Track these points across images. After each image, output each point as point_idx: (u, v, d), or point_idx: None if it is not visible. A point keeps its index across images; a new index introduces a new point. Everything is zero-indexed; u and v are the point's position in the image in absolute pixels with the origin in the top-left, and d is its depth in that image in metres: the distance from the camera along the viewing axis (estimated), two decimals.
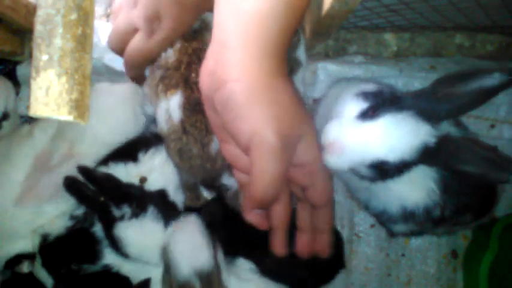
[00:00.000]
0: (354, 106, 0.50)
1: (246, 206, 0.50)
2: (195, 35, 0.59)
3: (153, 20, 0.56)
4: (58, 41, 0.34)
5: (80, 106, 0.35)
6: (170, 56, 0.59)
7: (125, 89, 0.64)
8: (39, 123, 0.64)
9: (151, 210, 0.59)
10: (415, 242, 0.70)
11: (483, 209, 0.59)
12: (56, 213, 0.61)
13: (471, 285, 0.66)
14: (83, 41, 0.35)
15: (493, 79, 0.45)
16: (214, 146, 0.58)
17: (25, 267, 0.61)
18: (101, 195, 0.58)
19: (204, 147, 0.58)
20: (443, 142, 0.46)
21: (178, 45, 0.59)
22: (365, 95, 0.50)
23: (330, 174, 0.52)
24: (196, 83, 0.55)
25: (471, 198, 0.55)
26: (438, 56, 0.77)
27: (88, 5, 0.35)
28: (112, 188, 0.59)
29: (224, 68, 0.46)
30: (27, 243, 0.61)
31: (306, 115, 0.50)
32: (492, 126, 0.72)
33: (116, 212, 0.58)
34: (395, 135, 0.46)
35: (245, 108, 0.46)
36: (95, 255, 0.60)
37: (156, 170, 0.62)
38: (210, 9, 0.52)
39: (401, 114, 0.46)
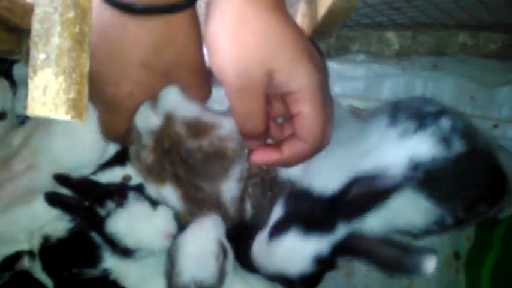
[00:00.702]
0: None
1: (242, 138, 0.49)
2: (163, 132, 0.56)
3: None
4: (55, 40, 0.33)
5: (78, 106, 0.34)
6: (147, 155, 0.57)
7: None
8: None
9: (132, 195, 0.58)
10: (417, 244, 0.70)
11: (496, 193, 0.56)
12: (52, 215, 0.60)
13: (474, 287, 0.66)
14: (81, 39, 0.34)
15: (391, 179, 0.47)
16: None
17: (26, 261, 0.60)
18: (83, 200, 0.57)
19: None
20: (342, 245, 0.50)
21: (151, 144, 0.56)
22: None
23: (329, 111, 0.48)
24: (188, 179, 0.55)
25: (478, 189, 0.54)
26: (441, 55, 0.76)
27: (86, 3, 0.34)
28: (92, 189, 0.58)
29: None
30: (24, 246, 0.61)
31: (293, 44, 0.44)
32: (495, 126, 0.71)
33: (102, 212, 0.57)
34: (286, 253, 0.51)
35: (218, 37, 0.44)
36: (94, 258, 0.59)
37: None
38: (178, 79, 0.51)
39: (289, 232, 0.50)
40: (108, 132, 0.56)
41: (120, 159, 0.62)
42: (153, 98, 0.54)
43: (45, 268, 0.59)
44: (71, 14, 0.33)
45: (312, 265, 0.50)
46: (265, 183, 0.59)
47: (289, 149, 0.48)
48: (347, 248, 0.50)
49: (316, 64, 0.45)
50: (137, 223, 0.57)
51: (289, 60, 0.43)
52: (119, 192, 0.58)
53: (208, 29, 0.44)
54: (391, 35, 0.76)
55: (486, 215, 0.57)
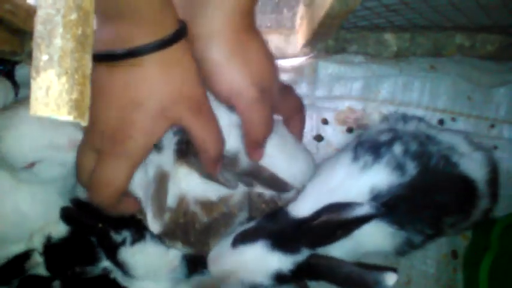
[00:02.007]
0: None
1: (251, 147, 0.55)
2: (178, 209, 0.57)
3: (115, 136, 0.46)
4: (58, 41, 0.34)
5: (80, 106, 0.35)
6: None
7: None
8: None
9: (149, 236, 0.59)
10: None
11: (457, 202, 0.57)
12: (37, 211, 0.60)
13: (471, 286, 0.66)
14: (83, 41, 0.35)
15: (362, 209, 0.50)
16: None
17: (38, 258, 0.60)
18: (98, 222, 0.58)
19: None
20: (304, 266, 0.52)
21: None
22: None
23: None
24: (197, 241, 0.57)
25: (436, 205, 0.56)
26: (438, 56, 0.77)
27: (88, 5, 0.35)
28: (108, 215, 0.57)
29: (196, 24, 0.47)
30: (20, 246, 0.60)
31: (272, 64, 0.52)
32: (492, 126, 0.72)
33: (116, 237, 0.58)
34: (248, 261, 0.53)
35: (220, 65, 0.48)
36: (94, 257, 0.60)
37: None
38: (178, 117, 0.47)
39: (257, 243, 0.52)
40: (108, 185, 0.49)
41: None
42: (155, 145, 0.52)
43: (49, 267, 0.60)
44: (73, 16, 0.34)
45: (270, 279, 0.52)
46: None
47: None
48: (309, 269, 0.52)
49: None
50: (152, 261, 0.59)
51: (272, 73, 0.52)
52: (136, 224, 0.58)
53: (207, 59, 0.48)
54: (389, 37, 0.77)
55: (468, 222, 0.59)
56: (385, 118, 0.66)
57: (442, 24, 0.75)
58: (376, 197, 0.53)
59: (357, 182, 0.55)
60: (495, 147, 0.71)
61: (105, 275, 0.60)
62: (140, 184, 0.54)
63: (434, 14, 0.70)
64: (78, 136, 0.55)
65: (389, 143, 0.56)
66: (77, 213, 0.59)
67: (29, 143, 0.54)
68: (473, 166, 0.57)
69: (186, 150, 0.55)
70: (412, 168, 0.54)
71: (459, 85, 0.72)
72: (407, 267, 0.70)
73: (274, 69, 0.53)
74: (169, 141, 0.56)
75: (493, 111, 0.72)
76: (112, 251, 0.58)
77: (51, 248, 0.60)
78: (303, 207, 0.55)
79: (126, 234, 0.58)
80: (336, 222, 0.51)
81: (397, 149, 0.56)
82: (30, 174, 0.56)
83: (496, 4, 0.65)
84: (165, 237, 0.58)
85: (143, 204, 0.54)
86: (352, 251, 0.55)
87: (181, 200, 0.56)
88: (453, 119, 0.72)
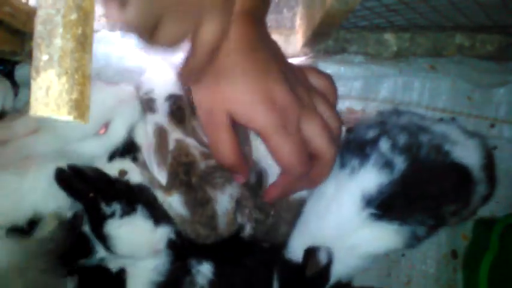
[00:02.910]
0: None
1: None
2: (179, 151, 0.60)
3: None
4: (58, 41, 0.34)
5: (80, 106, 0.35)
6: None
7: None
8: None
9: (140, 209, 0.58)
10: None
11: (454, 189, 0.56)
12: (38, 195, 0.59)
13: (471, 286, 0.66)
14: (83, 41, 0.35)
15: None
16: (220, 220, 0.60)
17: (53, 222, 0.60)
18: (90, 191, 0.57)
19: (212, 229, 0.60)
20: None
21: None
22: None
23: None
24: (198, 184, 0.58)
25: (434, 194, 0.55)
26: (438, 56, 0.77)
27: (88, 5, 0.35)
28: (103, 185, 0.58)
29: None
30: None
31: (254, 88, 0.47)
32: (492, 125, 0.72)
33: (106, 209, 0.57)
34: None
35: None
36: (89, 249, 0.60)
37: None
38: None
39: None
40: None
41: (124, 151, 0.62)
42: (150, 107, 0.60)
43: None
44: (73, 16, 0.34)
45: None
46: (265, 205, 0.61)
47: (279, 179, 0.55)
48: None
49: (272, 105, 0.47)
50: (137, 237, 0.58)
51: (247, 104, 0.47)
52: (128, 198, 0.58)
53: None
54: (388, 37, 0.77)
55: (469, 209, 0.58)
56: (379, 113, 0.65)
57: (442, 24, 0.75)
58: (368, 202, 0.52)
59: (347, 191, 0.54)
60: (495, 147, 0.71)
61: (100, 266, 0.60)
62: (142, 141, 0.60)
63: (434, 14, 0.70)
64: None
65: (376, 140, 0.55)
66: (70, 177, 0.58)
67: (99, 106, 0.56)
68: (467, 153, 0.55)
69: (181, 117, 0.60)
70: (400, 163, 0.52)
71: (459, 85, 0.72)
72: (407, 267, 0.70)
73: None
74: (162, 106, 0.61)
75: (493, 111, 0.72)
76: (99, 222, 0.57)
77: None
78: (296, 249, 0.55)
79: (116, 207, 0.57)
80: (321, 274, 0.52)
81: (384, 145, 0.54)
82: (103, 140, 0.59)
83: (496, 4, 0.65)
84: (169, 183, 0.58)
85: (147, 159, 0.58)
86: (361, 260, 0.54)
87: (182, 143, 0.59)
88: (453, 119, 0.72)
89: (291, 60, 0.76)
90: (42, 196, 0.59)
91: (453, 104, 0.71)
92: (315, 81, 0.54)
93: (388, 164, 0.52)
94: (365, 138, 0.56)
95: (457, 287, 0.69)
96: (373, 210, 0.52)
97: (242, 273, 0.60)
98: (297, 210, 0.60)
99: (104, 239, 0.58)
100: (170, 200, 0.59)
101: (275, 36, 0.79)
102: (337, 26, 0.67)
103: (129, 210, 0.57)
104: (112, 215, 0.57)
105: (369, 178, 0.53)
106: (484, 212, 0.69)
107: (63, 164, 0.58)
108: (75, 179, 0.58)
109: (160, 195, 0.60)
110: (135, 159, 0.62)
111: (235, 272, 0.61)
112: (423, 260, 0.69)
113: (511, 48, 0.77)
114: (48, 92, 0.33)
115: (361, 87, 0.72)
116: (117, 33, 0.76)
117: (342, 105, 0.72)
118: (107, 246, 0.58)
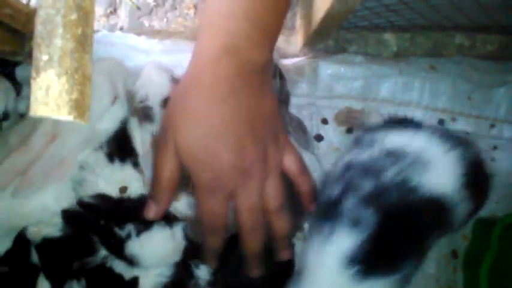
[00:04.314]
0: None
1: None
2: None
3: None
4: (58, 41, 0.34)
5: (80, 106, 0.35)
6: None
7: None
8: None
9: (155, 222, 0.57)
10: None
11: (430, 225, 0.54)
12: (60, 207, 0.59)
13: (471, 286, 0.66)
14: (83, 41, 0.35)
15: None
16: None
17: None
18: (100, 219, 0.57)
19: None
20: None
21: None
22: None
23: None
24: None
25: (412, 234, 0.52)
26: (438, 56, 0.77)
27: (88, 5, 0.35)
28: (111, 210, 0.57)
29: None
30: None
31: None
32: (492, 126, 0.72)
33: (121, 233, 0.56)
34: None
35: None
36: (92, 248, 0.59)
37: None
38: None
39: None
40: None
41: (123, 152, 0.60)
42: (148, 116, 0.59)
43: (45, 266, 0.59)
44: (73, 16, 0.34)
45: None
46: None
47: None
48: None
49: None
50: (161, 248, 0.57)
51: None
52: (140, 215, 0.56)
53: None
54: (388, 37, 0.77)
55: (454, 228, 0.56)
56: (342, 158, 0.59)
57: (442, 24, 0.75)
58: (350, 263, 0.49)
59: (327, 258, 0.51)
60: (495, 147, 0.71)
61: (103, 265, 0.60)
62: (139, 150, 0.58)
63: (434, 14, 0.70)
64: None
65: (341, 198, 0.52)
66: (76, 214, 0.58)
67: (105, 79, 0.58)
68: (442, 177, 0.51)
69: None
70: (370, 217, 0.49)
71: (459, 85, 0.72)
72: None
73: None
74: (158, 114, 0.59)
75: (493, 111, 0.72)
76: (118, 247, 0.57)
77: (45, 245, 0.59)
78: None
79: (129, 227, 0.56)
80: None
81: (349, 202, 0.51)
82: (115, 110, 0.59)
83: (496, 4, 0.65)
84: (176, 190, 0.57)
85: (144, 171, 0.56)
86: None
87: None
88: (453, 119, 0.72)
89: (291, 60, 0.76)
90: None
91: (453, 104, 0.71)
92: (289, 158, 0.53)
93: (358, 221, 0.50)
94: (332, 198, 0.53)
95: (457, 287, 0.69)
96: (356, 270, 0.49)
97: (239, 270, 0.60)
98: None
99: (130, 260, 0.57)
100: (177, 204, 0.58)
101: None
102: (337, 26, 0.67)
103: (144, 227, 0.57)
104: (128, 236, 0.56)
105: (344, 240, 0.50)
106: (484, 212, 0.69)
107: (95, 148, 0.59)
108: (83, 213, 0.57)
109: None
110: (135, 165, 0.60)
111: (234, 270, 0.61)
112: (423, 260, 0.69)
113: (511, 48, 0.77)
114: (48, 92, 0.34)
115: (361, 87, 0.72)
116: (117, 34, 0.77)
117: (342, 105, 0.72)
118: (134, 265, 0.57)
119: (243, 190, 0.48)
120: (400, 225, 0.51)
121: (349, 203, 0.51)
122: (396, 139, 0.55)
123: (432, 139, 0.53)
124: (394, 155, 0.52)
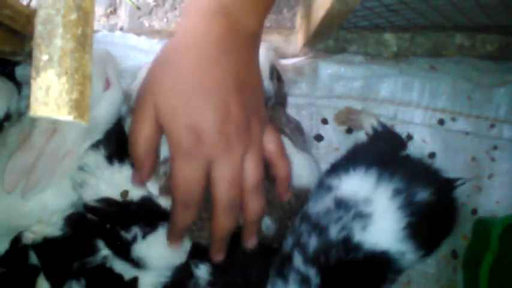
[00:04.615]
0: None
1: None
2: None
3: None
4: (58, 41, 0.34)
5: (80, 106, 0.35)
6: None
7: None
8: None
9: (161, 223, 0.57)
10: None
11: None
12: (60, 205, 0.59)
13: (471, 286, 0.66)
14: (83, 41, 0.35)
15: None
16: None
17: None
18: (105, 223, 0.57)
19: None
20: None
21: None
22: None
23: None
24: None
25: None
26: (438, 56, 0.77)
27: (88, 5, 0.35)
28: (116, 213, 0.57)
29: None
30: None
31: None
32: (492, 125, 0.72)
33: (127, 236, 0.56)
34: None
35: None
36: (92, 248, 0.59)
37: None
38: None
39: None
40: None
41: (119, 152, 0.59)
42: None
43: (45, 266, 0.59)
44: (73, 16, 0.34)
45: None
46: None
47: None
48: None
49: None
50: (166, 249, 0.57)
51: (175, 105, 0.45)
52: (145, 217, 0.57)
53: None
54: (388, 37, 0.77)
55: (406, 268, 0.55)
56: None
57: (442, 24, 0.75)
58: None
59: None
60: (495, 147, 0.71)
61: (102, 265, 0.60)
62: None
63: (434, 14, 0.70)
64: None
65: (290, 255, 0.51)
66: (81, 218, 0.58)
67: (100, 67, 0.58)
68: (382, 234, 0.50)
69: None
70: (314, 276, 0.49)
71: (459, 85, 0.72)
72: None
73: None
74: None
75: (493, 111, 0.72)
76: (125, 250, 0.57)
77: (45, 245, 0.59)
78: None
79: (135, 230, 0.56)
80: None
81: (297, 260, 0.50)
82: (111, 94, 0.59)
83: (496, 4, 0.65)
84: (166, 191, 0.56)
85: None
86: None
87: None
88: (453, 119, 0.72)
89: (291, 60, 0.76)
90: None
91: (453, 104, 0.71)
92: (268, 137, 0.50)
93: (305, 280, 0.49)
94: (283, 254, 0.53)
95: (457, 287, 0.69)
96: None
97: (238, 268, 0.60)
98: (283, 207, 0.59)
99: (137, 263, 0.57)
100: None
101: (275, 36, 0.79)
102: (337, 26, 0.67)
103: (149, 228, 0.57)
104: (134, 239, 0.56)
105: None
106: (484, 212, 0.69)
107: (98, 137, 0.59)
108: (87, 217, 0.57)
109: (164, 202, 0.59)
110: (133, 165, 0.61)
111: (232, 268, 0.60)
112: (423, 260, 0.69)
113: (511, 48, 0.77)
114: (48, 92, 0.34)
115: (361, 87, 0.72)
116: (117, 34, 0.77)
117: (342, 105, 0.72)
118: (141, 267, 0.57)
119: (223, 159, 0.44)
120: (344, 285, 0.50)
121: (297, 261, 0.50)
122: (348, 184, 0.53)
123: (380, 182, 0.51)
124: (342, 206, 0.51)
